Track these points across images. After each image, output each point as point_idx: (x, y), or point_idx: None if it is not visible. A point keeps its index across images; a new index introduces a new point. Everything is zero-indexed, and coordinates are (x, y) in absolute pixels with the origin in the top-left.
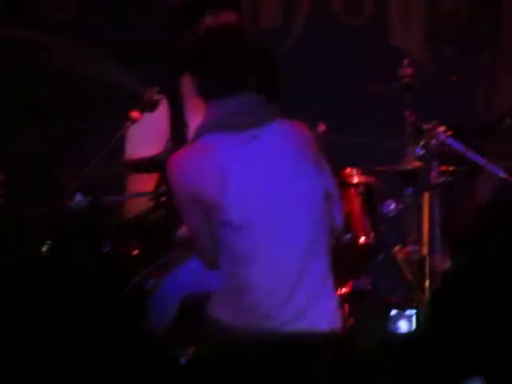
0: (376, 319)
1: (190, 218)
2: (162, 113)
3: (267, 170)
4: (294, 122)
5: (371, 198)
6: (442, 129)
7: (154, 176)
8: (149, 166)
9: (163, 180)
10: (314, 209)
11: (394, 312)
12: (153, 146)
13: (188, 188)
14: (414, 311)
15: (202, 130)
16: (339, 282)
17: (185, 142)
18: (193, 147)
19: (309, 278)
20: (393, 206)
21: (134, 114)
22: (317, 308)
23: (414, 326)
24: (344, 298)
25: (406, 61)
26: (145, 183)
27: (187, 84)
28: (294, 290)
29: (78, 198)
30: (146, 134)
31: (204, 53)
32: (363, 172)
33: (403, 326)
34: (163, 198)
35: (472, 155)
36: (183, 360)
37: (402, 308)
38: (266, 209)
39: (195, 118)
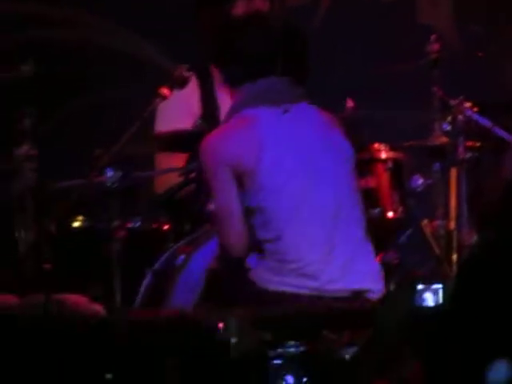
0: (402, 293)
1: (221, 190)
2: (192, 91)
3: (299, 140)
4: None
5: (399, 173)
6: (468, 104)
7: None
8: (179, 141)
9: (193, 156)
10: (340, 180)
11: (420, 286)
12: (183, 123)
13: (225, 163)
14: (440, 285)
15: (235, 108)
16: None
17: (216, 120)
18: (228, 124)
19: (346, 242)
20: (420, 180)
21: (164, 90)
22: (357, 269)
23: (440, 299)
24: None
25: (433, 36)
26: (173, 159)
27: None
28: (330, 253)
29: (109, 173)
30: (176, 111)
31: (228, 42)
32: (391, 147)
33: (430, 300)
34: (193, 174)
35: (498, 131)
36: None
37: (429, 282)
38: (298, 175)
39: (226, 98)
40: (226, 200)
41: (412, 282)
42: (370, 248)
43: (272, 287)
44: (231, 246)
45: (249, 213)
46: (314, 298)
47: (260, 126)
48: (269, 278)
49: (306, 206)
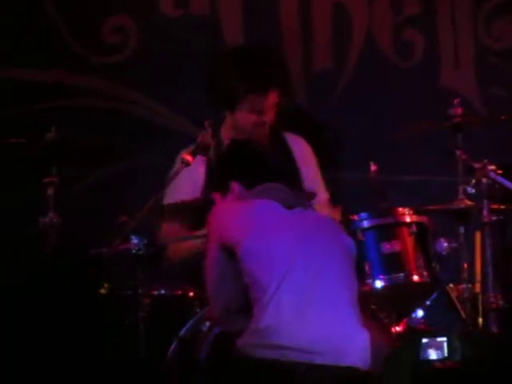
0: (407, 346)
1: (209, 260)
2: (199, 164)
3: (298, 231)
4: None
5: (424, 236)
6: (492, 167)
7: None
8: (190, 209)
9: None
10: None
11: (424, 340)
12: (187, 194)
13: (221, 235)
14: (444, 338)
15: (245, 196)
16: (393, 320)
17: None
18: (234, 203)
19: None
20: (445, 244)
21: (187, 157)
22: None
23: (445, 353)
24: (398, 336)
25: (456, 100)
26: (179, 228)
27: (229, 135)
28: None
29: (135, 240)
30: (182, 183)
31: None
32: (415, 211)
33: (434, 354)
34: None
35: None
36: None
37: (433, 335)
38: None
39: None
40: (210, 268)
41: (416, 336)
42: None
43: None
44: (215, 311)
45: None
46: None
47: (258, 210)
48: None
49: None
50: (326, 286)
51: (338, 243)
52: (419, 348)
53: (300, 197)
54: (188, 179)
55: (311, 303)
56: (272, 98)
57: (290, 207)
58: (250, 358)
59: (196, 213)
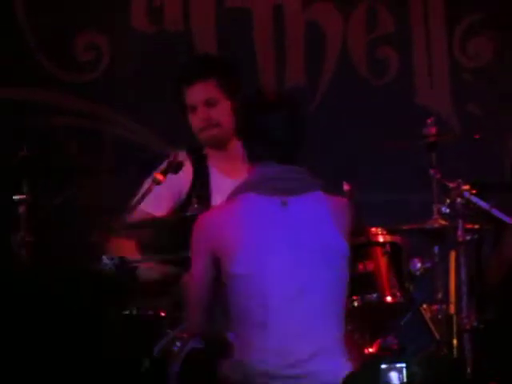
0: (366, 373)
1: (194, 272)
2: (185, 173)
3: (289, 234)
4: (335, 196)
5: (398, 256)
6: (466, 187)
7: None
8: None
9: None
10: (331, 285)
11: (384, 365)
12: (167, 202)
13: (206, 245)
14: (404, 364)
15: (237, 190)
16: (366, 341)
17: (208, 204)
18: (221, 206)
19: (325, 343)
20: (419, 264)
21: (158, 175)
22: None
23: (404, 378)
24: (371, 357)
25: (430, 119)
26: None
27: (209, 150)
28: (303, 348)
29: (105, 260)
30: (163, 191)
31: (256, 119)
32: (389, 231)
33: (395, 379)
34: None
35: (497, 213)
36: None
37: (392, 361)
38: (280, 273)
39: (220, 181)
40: (194, 280)
41: (376, 362)
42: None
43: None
44: (187, 328)
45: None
46: None
47: (247, 218)
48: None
49: (282, 307)
50: (312, 307)
51: (327, 254)
52: (379, 373)
53: (309, 182)
54: (167, 188)
55: (298, 333)
56: (204, 89)
57: (283, 203)
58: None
59: (176, 229)
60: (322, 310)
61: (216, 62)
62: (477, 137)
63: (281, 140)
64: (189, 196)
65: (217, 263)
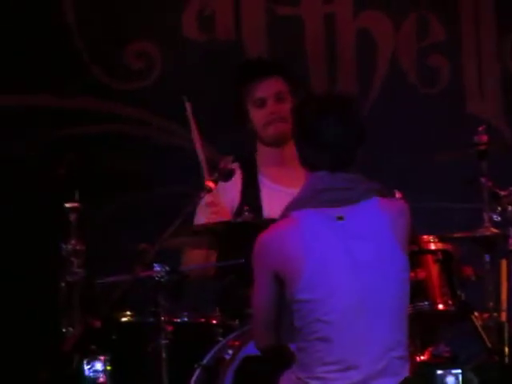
0: (422, 378)
1: (260, 291)
2: (234, 182)
3: (347, 250)
4: (392, 200)
5: (449, 264)
6: None
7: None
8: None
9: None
10: (393, 297)
11: (439, 371)
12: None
13: (267, 268)
14: (459, 370)
15: (291, 207)
16: (417, 349)
17: (258, 211)
18: (278, 224)
19: (389, 360)
20: (471, 272)
21: (209, 183)
22: None
23: None
24: (425, 364)
25: (481, 127)
26: (199, 254)
27: (264, 152)
28: (369, 374)
29: (157, 267)
30: (212, 202)
31: (315, 124)
32: (440, 239)
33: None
34: (240, 269)
35: None
36: None
37: (448, 367)
38: (341, 290)
39: (269, 188)
40: (260, 298)
41: (431, 368)
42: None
43: None
44: (254, 343)
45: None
46: None
47: (305, 234)
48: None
49: (346, 325)
50: (381, 321)
51: (389, 264)
52: (434, 379)
53: (363, 189)
54: (220, 198)
55: (362, 350)
56: (274, 84)
57: (339, 218)
58: None
59: (226, 236)
60: (387, 325)
61: (281, 63)
62: None
63: (332, 144)
64: (241, 205)
65: (280, 282)
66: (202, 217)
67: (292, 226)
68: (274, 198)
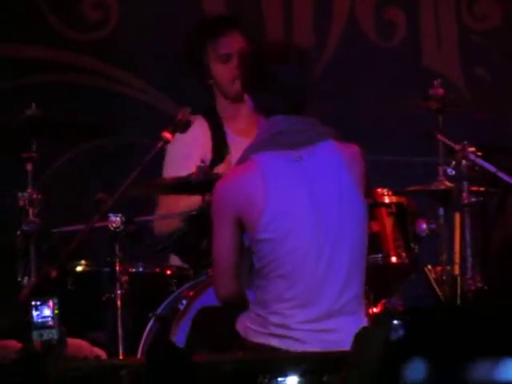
0: (377, 328)
1: (221, 239)
2: (202, 133)
3: (307, 192)
4: (346, 144)
5: (403, 217)
6: (472, 149)
7: (184, 196)
8: (183, 186)
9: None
10: (352, 237)
11: (395, 321)
12: (190, 167)
13: (231, 209)
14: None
15: (249, 151)
16: (371, 301)
17: (227, 160)
18: (239, 168)
19: (346, 300)
20: (425, 225)
21: (166, 134)
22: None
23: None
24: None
25: (436, 81)
26: (175, 203)
27: (226, 107)
28: (327, 311)
29: (113, 217)
30: (183, 157)
31: (266, 69)
32: (395, 192)
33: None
34: (196, 219)
35: (503, 175)
36: None
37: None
38: (302, 229)
39: (236, 137)
40: (222, 246)
41: (387, 317)
42: (363, 307)
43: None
44: (216, 291)
45: (250, 253)
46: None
47: (267, 176)
48: (251, 325)
49: (307, 263)
50: (340, 260)
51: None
52: (390, 329)
53: (320, 131)
54: (191, 151)
55: (321, 288)
56: (236, 39)
57: (298, 158)
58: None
59: (194, 187)
60: (345, 264)
61: (239, 18)
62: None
63: (290, 89)
64: (213, 157)
65: (241, 226)
66: (174, 169)
67: (253, 169)
68: (241, 150)
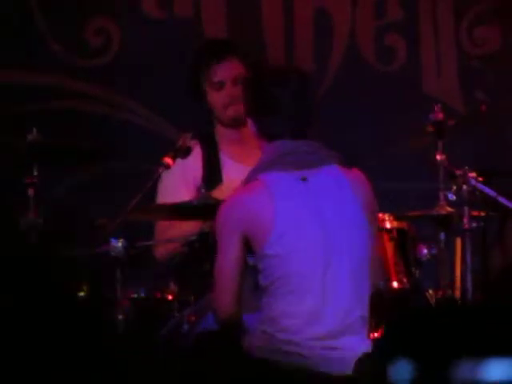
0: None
1: (227, 258)
2: (194, 158)
3: (314, 209)
4: (352, 169)
5: (404, 242)
6: (472, 174)
7: (183, 222)
8: (183, 211)
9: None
10: (356, 258)
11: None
12: (183, 193)
13: (236, 230)
14: None
15: (255, 171)
16: (372, 326)
17: (219, 189)
18: (245, 188)
19: (352, 319)
20: (425, 250)
21: (167, 159)
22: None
23: None
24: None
25: (437, 106)
26: (174, 229)
27: (223, 132)
28: (333, 329)
29: (114, 242)
30: (177, 182)
31: (269, 93)
32: (396, 217)
33: None
34: (197, 243)
35: (503, 200)
36: None
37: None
38: (309, 249)
39: (230, 162)
40: (227, 266)
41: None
42: (366, 329)
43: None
44: (216, 312)
45: (255, 272)
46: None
47: (274, 194)
48: (258, 343)
49: (314, 280)
50: (344, 279)
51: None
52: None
53: (325, 154)
54: (184, 176)
55: (332, 298)
56: (230, 66)
57: (303, 178)
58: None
59: (195, 212)
60: (349, 284)
61: (236, 43)
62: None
63: (293, 113)
64: (203, 182)
65: (247, 244)
66: (165, 195)
67: (260, 188)
68: (236, 176)
